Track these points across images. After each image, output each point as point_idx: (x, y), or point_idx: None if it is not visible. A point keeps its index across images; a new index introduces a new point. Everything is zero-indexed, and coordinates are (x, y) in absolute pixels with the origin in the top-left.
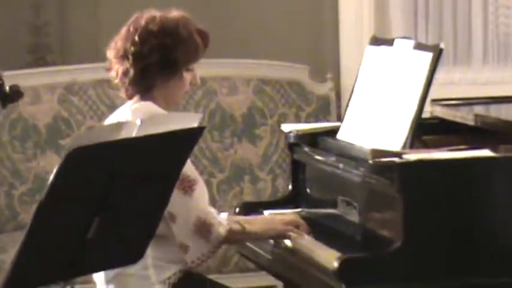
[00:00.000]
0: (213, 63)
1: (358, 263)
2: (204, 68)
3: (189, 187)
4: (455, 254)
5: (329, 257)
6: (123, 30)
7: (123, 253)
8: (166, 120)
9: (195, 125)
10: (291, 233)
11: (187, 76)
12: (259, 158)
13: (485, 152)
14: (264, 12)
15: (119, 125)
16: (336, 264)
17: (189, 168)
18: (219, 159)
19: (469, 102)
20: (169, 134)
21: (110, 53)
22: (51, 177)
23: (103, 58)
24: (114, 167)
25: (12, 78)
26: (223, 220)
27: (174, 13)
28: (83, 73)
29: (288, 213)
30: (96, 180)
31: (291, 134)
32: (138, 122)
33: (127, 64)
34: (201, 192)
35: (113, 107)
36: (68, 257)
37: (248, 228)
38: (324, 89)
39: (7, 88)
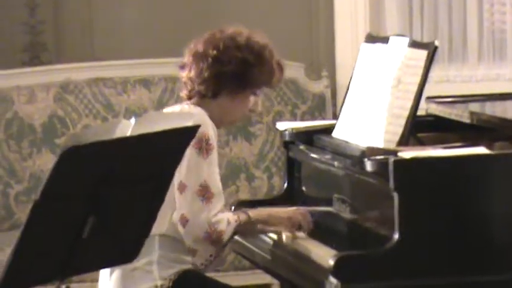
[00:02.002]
0: None
1: (354, 260)
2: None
3: (207, 198)
4: (451, 252)
5: (325, 255)
6: (208, 35)
7: (118, 252)
8: (161, 119)
9: (190, 123)
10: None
11: (251, 99)
12: (255, 156)
13: (481, 150)
14: (259, 10)
15: (114, 124)
16: (331, 262)
17: (213, 179)
18: None
19: (464, 99)
20: (164, 133)
21: (189, 52)
22: (47, 176)
23: (98, 57)
24: (109, 166)
25: (7, 77)
26: (230, 217)
27: (261, 37)
28: (79, 72)
29: (299, 209)
30: (92, 179)
31: (287, 132)
32: (133, 120)
33: (203, 65)
34: (218, 202)
35: (108, 106)
36: (63, 256)
37: (254, 216)
38: (320, 86)
39: None
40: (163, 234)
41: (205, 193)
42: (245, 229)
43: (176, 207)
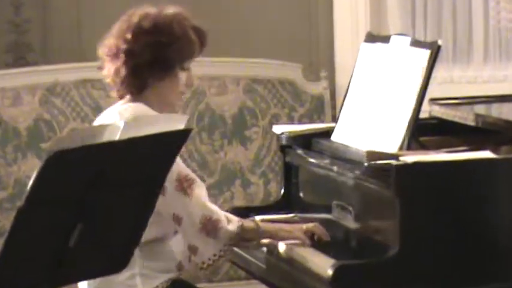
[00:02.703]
0: (201, 61)
1: (354, 270)
2: (192, 67)
3: (188, 187)
4: (455, 261)
5: (323, 264)
6: (116, 27)
7: (107, 261)
8: (151, 122)
9: (182, 126)
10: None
11: (182, 76)
12: (251, 161)
13: (486, 154)
14: (255, 8)
15: (102, 128)
16: (330, 271)
17: (183, 168)
18: (208, 162)
19: (469, 101)
20: (154, 136)
21: (102, 51)
22: (31, 181)
23: (86, 57)
24: (97, 171)
25: None
26: (231, 216)
27: (169, 10)
28: (66, 73)
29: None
30: (78, 184)
31: (284, 136)
32: (122, 124)
33: (118, 62)
34: (201, 190)
35: (96, 109)
36: (49, 266)
37: (262, 226)
38: (318, 88)
39: None
40: (144, 242)
41: (183, 184)
42: (251, 237)
43: (160, 209)
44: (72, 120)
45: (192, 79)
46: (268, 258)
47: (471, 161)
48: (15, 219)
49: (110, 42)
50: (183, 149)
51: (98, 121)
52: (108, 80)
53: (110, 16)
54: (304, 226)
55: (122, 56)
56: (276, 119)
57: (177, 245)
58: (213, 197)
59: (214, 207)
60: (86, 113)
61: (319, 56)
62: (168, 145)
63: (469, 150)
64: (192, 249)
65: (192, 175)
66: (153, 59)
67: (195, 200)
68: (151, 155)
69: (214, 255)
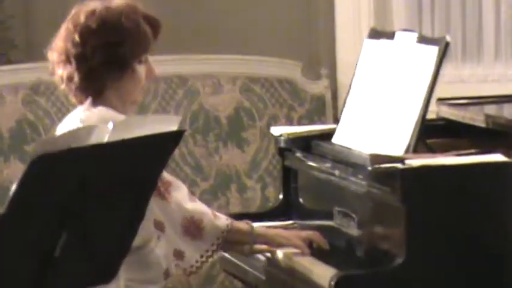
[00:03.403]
0: (195, 59)
1: (357, 280)
2: (185, 65)
3: (165, 190)
4: (464, 270)
5: (325, 275)
6: (62, 29)
7: (95, 272)
8: (141, 124)
9: (174, 128)
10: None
11: (140, 69)
12: (247, 165)
13: (497, 157)
14: (251, 2)
15: (90, 129)
16: (332, 282)
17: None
18: (202, 166)
19: (479, 101)
20: (145, 139)
21: (52, 55)
22: (14, 187)
23: None
24: (84, 176)
25: None
26: (220, 214)
27: (117, 2)
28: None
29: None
30: (64, 190)
31: (282, 138)
32: (111, 125)
33: (70, 68)
34: (178, 191)
35: None
36: (33, 277)
37: (257, 229)
38: (319, 87)
39: None
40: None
41: (160, 187)
42: (243, 240)
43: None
44: (57, 121)
45: (152, 70)
46: (267, 268)
47: (481, 164)
48: None
49: (59, 45)
50: (176, 152)
51: (60, 130)
52: (62, 87)
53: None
54: (303, 233)
55: (73, 61)
56: (274, 120)
57: (161, 251)
58: (207, 203)
59: (195, 206)
60: None
61: (320, 53)
62: (159, 148)
63: (479, 153)
64: (178, 254)
65: (169, 177)
66: (106, 59)
67: (174, 203)
68: (142, 159)
69: (201, 256)
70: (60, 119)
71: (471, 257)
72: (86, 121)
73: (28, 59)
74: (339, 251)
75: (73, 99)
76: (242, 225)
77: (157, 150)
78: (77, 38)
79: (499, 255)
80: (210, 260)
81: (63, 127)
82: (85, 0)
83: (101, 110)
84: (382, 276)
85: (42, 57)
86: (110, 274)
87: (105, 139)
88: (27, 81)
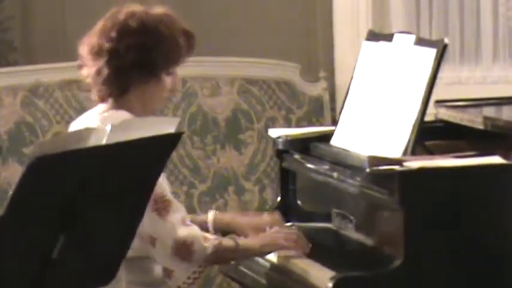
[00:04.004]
0: (193, 61)
1: (355, 282)
2: (183, 67)
3: (163, 208)
4: (463, 273)
5: (323, 277)
6: (99, 25)
7: (93, 274)
8: (139, 126)
9: (172, 130)
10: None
11: (167, 80)
12: (245, 167)
13: (496, 159)
14: (249, 4)
15: (88, 132)
16: (330, 284)
17: (163, 188)
18: (200, 168)
19: (477, 103)
20: (143, 141)
21: (83, 49)
22: (13, 189)
23: (71, 57)
24: (82, 178)
25: None
26: (209, 235)
27: (157, 10)
28: (49, 73)
29: (288, 228)
30: (62, 192)
31: (280, 140)
32: (109, 127)
33: (101, 62)
34: (177, 213)
35: (82, 111)
36: (33, 278)
37: (243, 244)
38: (317, 89)
39: None
40: (130, 257)
41: (159, 204)
42: (230, 257)
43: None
44: (56, 124)
45: (177, 84)
46: (264, 271)
47: (480, 166)
48: None
49: (93, 40)
50: (174, 154)
51: (76, 126)
52: (88, 80)
53: (96, 14)
54: (283, 233)
55: (105, 55)
56: (272, 122)
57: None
58: (204, 205)
59: (190, 230)
60: (71, 115)
61: (318, 55)
62: (157, 150)
63: (478, 155)
64: (167, 272)
65: (171, 197)
66: (138, 60)
67: (169, 224)
68: (141, 160)
69: (188, 278)
70: (58, 122)
71: (470, 258)
72: (105, 122)
73: (27, 61)
74: (337, 253)
75: (94, 97)
76: (228, 242)
77: (155, 152)
78: (113, 33)
79: (499, 256)
80: (197, 280)
81: (78, 125)
82: (123, 6)
83: (121, 115)
84: (381, 278)
85: (41, 59)
86: (109, 275)
87: (104, 141)
88: (26, 84)
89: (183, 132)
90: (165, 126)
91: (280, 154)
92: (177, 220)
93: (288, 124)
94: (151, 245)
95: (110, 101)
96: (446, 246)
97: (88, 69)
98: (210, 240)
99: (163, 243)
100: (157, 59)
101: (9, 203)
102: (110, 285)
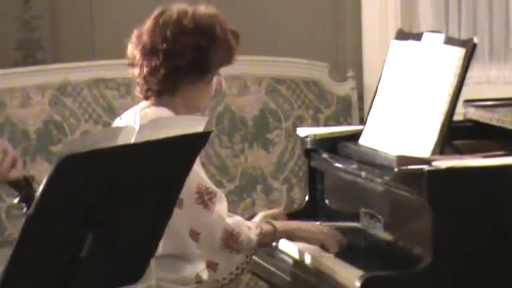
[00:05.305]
0: None
1: (383, 282)
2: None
3: (209, 200)
4: (492, 273)
5: (351, 276)
6: (150, 23)
7: (121, 272)
8: (168, 125)
9: (201, 129)
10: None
11: (215, 80)
12: (273, 166)
13: None
14: (278, 4)
15: (116, 130)
16: (358, 283)
17: (204, 180)
18: (228, 167)
19: (506, 102)
20: (172, 139)
21: (135, 48)
22: (41, 187)
23: (99, 55)
24: (110, 177)
25: None
26: (251, 224)
27: (207, 10)
28: (77, 72)
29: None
30: (91, 191)
31: (308, 139)
32: (137, 126)
33: (156, 61)
34: (223, 203)
35: (110, 110)
36: (60, 277)
37: (280, 227)
38: (345, 88)
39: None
40: (160, 255)
41: (204, 197)
42: (269, 241)
43: (176, 224)
44: (84, 122)
45: (222, 83)
46: (292, 269)
47: (509, 166)
48: (24, 228)
49: (144, 39)
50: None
51: (118, 122)
52: (138, 79)
53: (124, 12)
54: (325, 229)
55: (161, 56)
56: (300, 121)
57: (195, 259)
58: (232, 204)
59: (235, 220)
60: (99, 114)
61: (346, 55)
62: (186, 148)
63: (507, 155)
64: (212, 266)
65: (213, 187)
66: (194, 61)
67: (217, 215)
68: (168, 159)
69: (237, 268)
70: (86, 120)
71: (499, 257)
72: (145, 118)
73: (54, 60)
74: (365, 253)
75: (139, 93)
76: (268, 227)
77: (184, 151)
78: (168, 33)
79: None
80: (244, 272)
81: (120, 122)
82: (169, 5)
83: (161, 111)
84: (409, 278)
85: (69, 58)
86: (137, 274)
87: (132, 140)
88: (54, 82)
89: (211, 131)
90: (194, 125)
91: (308, 153)
92: (224, 210)
93: (316, 123)
94: (194, 240)
95: (153, 98)
96: (474, 245)
97: (140, 68)
98: (253, 228)
99: (210, 236)
100: (211, 60)
101: (38, 201)
102: (139, 281)
